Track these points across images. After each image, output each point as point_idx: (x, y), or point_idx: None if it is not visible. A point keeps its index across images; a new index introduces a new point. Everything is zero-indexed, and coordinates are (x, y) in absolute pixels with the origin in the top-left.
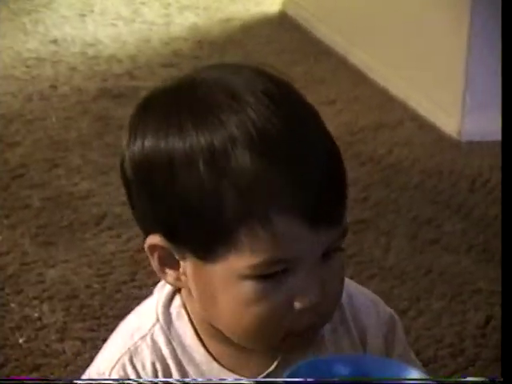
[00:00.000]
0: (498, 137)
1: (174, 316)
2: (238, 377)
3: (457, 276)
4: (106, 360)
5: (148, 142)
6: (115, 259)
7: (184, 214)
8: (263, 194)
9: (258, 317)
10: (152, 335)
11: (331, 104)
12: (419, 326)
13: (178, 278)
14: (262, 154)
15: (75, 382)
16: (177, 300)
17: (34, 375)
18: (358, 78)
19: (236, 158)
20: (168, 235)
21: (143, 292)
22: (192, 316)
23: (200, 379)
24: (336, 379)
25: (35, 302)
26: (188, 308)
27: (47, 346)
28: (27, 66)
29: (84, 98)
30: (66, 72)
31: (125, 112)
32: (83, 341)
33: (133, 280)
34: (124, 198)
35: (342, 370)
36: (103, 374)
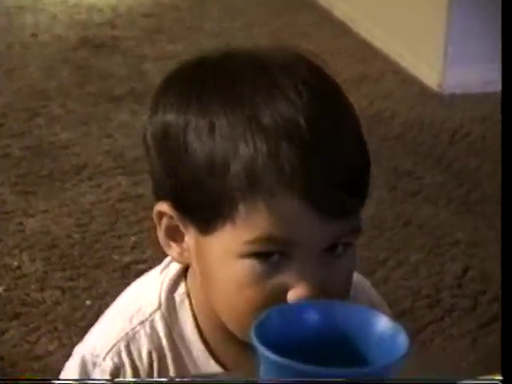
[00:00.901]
0: (479, 90)
1: (177, 303)
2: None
3: (436, 228)
4: (103, 342)
5: (168, 113)
6: (95, 209)
7: (192, 183)
8: (273, 169)
9: (249, 301)
10: (152, 322)
11: (314, 57)
12: (397, 276)
13: (181, 253)
14: (280, 138)
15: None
16: (182, 287)
17: (14, 324)
18: (342, 30)
19: (253, 138)
20: (175, 203)
21: (123, 242)
22: (195, 306)
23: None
24: (328, 379)
25: (15, 251)
26: (192, 297)
27: (27, 294)
28: (8, 15)
29: (64, 47)
30: (47, 21)
31: (105, 62)
32: (63, 290)
33: (112, 230)
34: (105, 148)
35: (313, 316)
36: (97, 356)
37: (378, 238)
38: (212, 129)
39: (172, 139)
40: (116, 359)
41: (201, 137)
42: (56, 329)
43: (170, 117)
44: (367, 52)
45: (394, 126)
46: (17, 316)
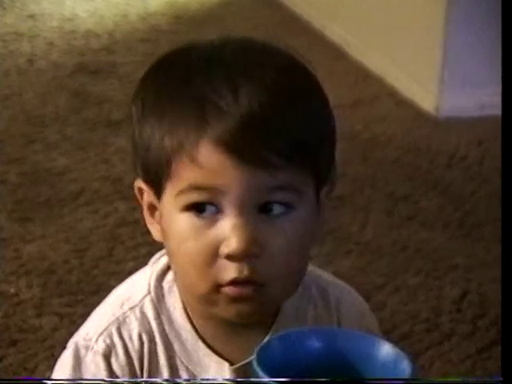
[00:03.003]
0: (475, 113)
1: (165, 290)
2: (220, 359)
3: (433, 252)
4: (94, 326)
5: (134, 97)
6: (92, 235)
7: (142, 155)
8: (196, 124)
9: (188, 255)
10: (142, 307)
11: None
12: (395, 301)
13: (158, 228)
14: (207, 102)
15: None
16: (170, 275)
17: (11, 351)
18: (335, 53)
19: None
20: (143, 177)
21: (121, 267)
22: (181, 292)
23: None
24: (325, 379)
25: (12, 278)
26: (176, 283)
27: (24, 321)
28: (4, 41)
29: (61, 73)
30: (44, 47)
31: (102, 87)
32: (60, 316)
33: (110, 255)
34: (102, 174)
35: (316, 343)
36: (90, 339)
37: (376, 263)
38: (161, 117)
39: (134, 117)
40: (108, 340)
41: (153, 125)
42: (53, 355)
43: (134, 99)
44: (362, 75)
45: (391, 150)
46: (14, 343)
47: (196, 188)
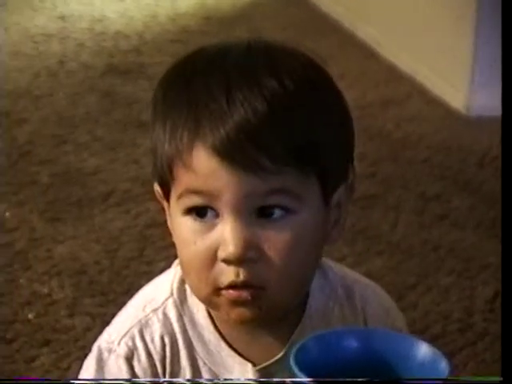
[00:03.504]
0: None
1: (188, 292)
2: (243, 360)
3: (465, 251)
4: (117, 329)
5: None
6: (123, 235)
7: (154, 159)
8: (189, 131)
9: (188, 258)
10: (164, 309)
11: (339, 79)
12: (427, 301)
13: None
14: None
15: (75, 382)
16: None
17: (44, 350)
18: (366, 52)
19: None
20: (156, 181)
21: (151, 268)
22: None
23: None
24: (362, 379)
25: (44, 278)
26: None
27: (57, 321)
28: (35, 42)
29: (91, 74)
30: (74, 48)
31: (132, 88)
32: (92, 316)
33: (141, 256)
34: (132, 174)
35: (352, 343)
36: (112, 342)
37: (407, 263)
38: (165, 122)
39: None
40: (130, 343)
41: (159, 129)
42: (86, 355)
43: (151, 103)
44: (392, 74)
45: (421, 149)
46: (47, 343)
47: (192, 192)
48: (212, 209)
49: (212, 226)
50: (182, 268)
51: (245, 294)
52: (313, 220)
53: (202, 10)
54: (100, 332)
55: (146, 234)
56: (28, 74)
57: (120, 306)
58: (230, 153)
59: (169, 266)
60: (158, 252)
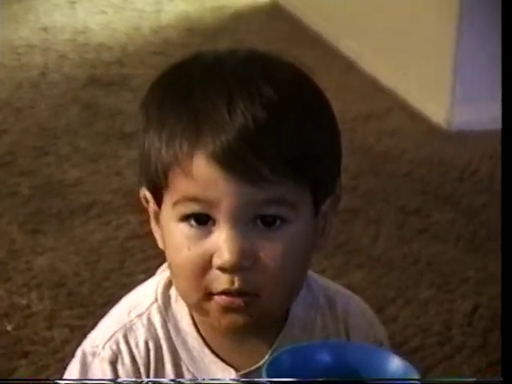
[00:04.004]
0: (487, 126)
1: (172, 298)
2: (226, 366)
3: (444, 265)
4: (101, 333)
5: (140, 113)
6: (104, 247)
7: (145, 165)
8: (190, 137)
9: (181, 264)
10: (149, 314)
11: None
12: (407, 314)
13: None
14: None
15: (56, 382)
16: None
17: (23, 362)
18: (348, 66)
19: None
20: (147, 186)
21: (132, 279)
22: None
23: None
24: (323, 379)
25: (23, 290)
26: None
27: (36, 333)
28: (17, 54)
29: (73, 86)
30: (56, 59)
31: (114, 100)
32: (71, 328)
33: (121, 268)
34: (113, 186)
35: (325, 357)
36: (97, 346)
37: (387, 276)
38: (161, 129)
39: (139, 131)
40: (114, 347)
41: (154, 135)
42: (65, 367)
43: (140, 109)
44: (374, 88)
45: (402, 163)
46: (26, 355)
47: (190, 200)
48: (209, 216)
49: (207, 233)
50: (172, 273)
51: (238, 301)
52: (305, 229)
53: (185, 23)
54: (79, 344)
55: (127, 245)
56: (10, 85)
57: (100, 318)
58: (231, 161)
59: (149, 277)
60: (138, 264)
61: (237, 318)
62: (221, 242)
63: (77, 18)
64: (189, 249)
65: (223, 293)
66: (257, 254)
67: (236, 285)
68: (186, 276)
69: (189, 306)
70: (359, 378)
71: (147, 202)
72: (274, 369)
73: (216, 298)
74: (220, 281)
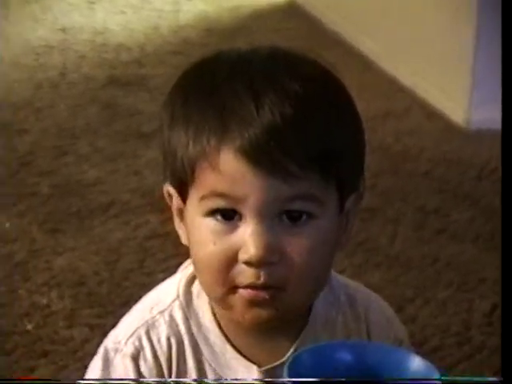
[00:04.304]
0: None
1: (194, 294)
2: (248, 363)
3: (463, 265)
4: (124, 330)
5: (163, 110)
6: (123, 246)
7: (170, 161)
8: (216, 134)
9: (206, 259)
10: (171, 311)
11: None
12: (425, 314)
13: (184, 232)
14: (229, 117)
15: (77, 382)
16: None
17: (43, 361)
18: (366, 65)
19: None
20: (171, 182)
21: (151, 279)
22: None
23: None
24: (344, 379)
25: (43, 289)
26: None
27: (55, 332)
28: (36, 54)
29: (92, 86)
30: (75, 60)
31: (133, 100)
32: (91, 327)
33: (141, 267)
34: (132, 186)
35: (346, 356)
36: (119, 342)
37: (405, 276)
38: (187, 125)
39: (162, 127)
40: (137, 343)
41: (179, 132)
42: (85, 366)
43: (164, 107)
44: (392, 88)
45: (421, 162)
46: (45, 354)
47: (217, 195)
48: (235, 211)
49: (234, 228)
50: (197, 268)
51: (263, 294)
52: (330, 225)
53: (204, 23)
54: (99, 343)
55: (146, 245)
56: (29, 85)
57: (119, 317)
58: (258, 155)
59: (168, 277)
60: (157, 263)
61: (261, 312)
62: (247, 237)
63: (95, 18)
64: (214, 244)
65: (248, 286)
66: (283, 249)
67: (262, 279)
68: (212, 270)
69: (212, 300)
70: (380, 377)
71: (171, 197)
72: (294, 368)
73: (241, 291)
74: (246, 275)
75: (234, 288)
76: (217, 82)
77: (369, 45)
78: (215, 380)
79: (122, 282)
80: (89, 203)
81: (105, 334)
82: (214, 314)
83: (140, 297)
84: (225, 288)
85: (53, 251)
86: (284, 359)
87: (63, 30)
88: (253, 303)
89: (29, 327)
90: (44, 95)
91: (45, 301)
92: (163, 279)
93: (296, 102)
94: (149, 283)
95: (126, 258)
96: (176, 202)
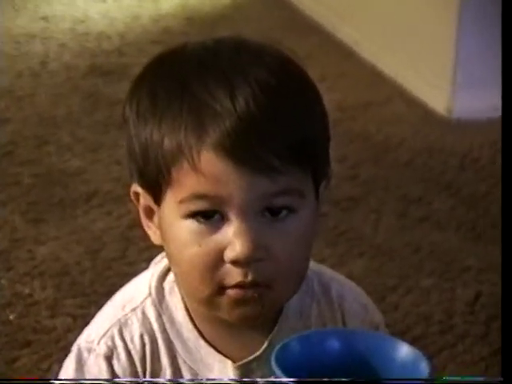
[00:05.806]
0: (488, 114)
1: (166, 290)
2: (223, 357)
3: (446, 253)
4: (97, 329)
5: (127, 104)
6: (106, 236)
7: (139, 159)
8: (192, 131)
9: (190, 260)
10: (143, 308)
11: (320, 81)
12: (408, 303)
13: (156, 232)
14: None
15: (51, 382)
16: (171, 276)
17: (25, 351)
18: (347, 54)
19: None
20: (139, 182)
21: (134, 269)
22: (182, 293)
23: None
24: (344, 379)
25: (26, 279)
26: (177, 284)
27: (38, 322)
28: (17, 43)
29: (74, 75)
30: (56, 48)
31: (114, 89)
32: (74, 317)
33: (123, 257)
34: (114, 175)
35: (334, 344)
36: (92, 341)
37: (388, 265)
38: (159, 120)
39: (129, 125)
40: (110, 342)
41: (146, 123)
42: (67, 356)
43: (127, 107)
44: (372, 76)
45: (403, 151)
46: (28, 343)
47: (198, 197)
48: (218, 211)
49: (216, 228)
50: (181, 270)
51: (251, 293)
52: (311, 216)
53: (184, 12)
54: (81, 333)
55: (129, 234)
56: (10, 74)
57: (101, 306)
58: (239, 152)
59: None
60: (140, 253)
61: (248, 311)
62: (232, 236)
63: (76, 6)
64: (199, 245)
65: (236, 286)
66: (268, 245)
67: (250, 277)
68: (198, 272)
69: (197, 302)
70: (368, 365)
71: (137, 196)
72: (282, 355)
73: (229, 291)
74: (233, 274)
75: (221, 288)
76: (186, 76)
77: (348, 33)
78: (190, 380)
79: (104, 271)
80: (71, 193)
81: (87, 324)
82: (187, 310)
83: (122, 286)
84: (211, 289)
85: (35, 241)
86: (259, 353)
87: (44, 18)
88: (240, 302)
89: (11, 317)
90: (25, 84)
91: (27, 290)
92: (146, 268)
93: (269, 92)
94: (131, 272)
95: (108, 247)
96: (144, 201)
